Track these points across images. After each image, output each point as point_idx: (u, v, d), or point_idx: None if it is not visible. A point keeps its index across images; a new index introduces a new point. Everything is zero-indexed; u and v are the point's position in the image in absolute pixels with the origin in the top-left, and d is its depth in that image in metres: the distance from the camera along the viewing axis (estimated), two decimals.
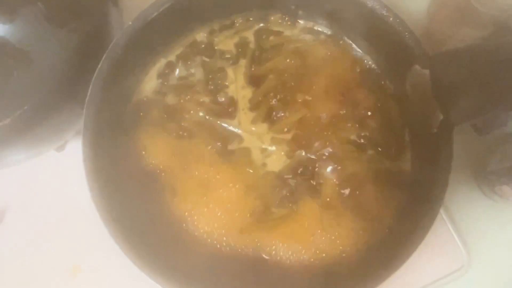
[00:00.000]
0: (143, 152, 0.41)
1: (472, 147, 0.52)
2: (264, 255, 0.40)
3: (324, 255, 0.40)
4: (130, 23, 0.38)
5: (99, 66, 0.37)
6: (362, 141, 0.43)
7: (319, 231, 0.40)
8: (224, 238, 0.40)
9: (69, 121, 0.43)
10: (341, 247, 0.39)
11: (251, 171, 0.41)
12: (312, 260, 0.40)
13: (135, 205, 0.38)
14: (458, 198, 0.51)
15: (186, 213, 0.40)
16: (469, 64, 0.34)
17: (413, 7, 0.55)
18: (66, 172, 0.48)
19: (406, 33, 0.38)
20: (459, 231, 0.49)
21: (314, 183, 0.42)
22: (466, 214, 0.50)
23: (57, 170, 0.49)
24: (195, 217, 0.40)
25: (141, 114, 0.42)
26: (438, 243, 0.48)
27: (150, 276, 0.34)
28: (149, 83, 0.44)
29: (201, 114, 0.43)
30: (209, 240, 0.40)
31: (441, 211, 0.49)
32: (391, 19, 0.39)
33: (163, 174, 0.41)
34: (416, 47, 0.38)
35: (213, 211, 0.40)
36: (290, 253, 0.40)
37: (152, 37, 0.41)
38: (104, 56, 0.37)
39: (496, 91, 0.34)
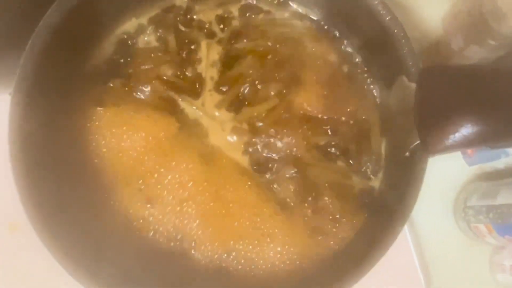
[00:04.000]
0: (89, 123, 0.37)
1: (459, 176, 0.49)
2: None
3: (268, 265, 0.37)
4: None
5: (48, 11, 0.32)
6: (333, 150, 0.39)
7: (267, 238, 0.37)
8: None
9: None
10: (286, 258, 0.36)
11: (200, 162, 0.37)
12: (252, 267, 0.37)
13: (67, 190, 0.34)
14: (431, 227, 0.48)
15: (128, 199, 0.36)
16: (465, 87, 0.30)
17: (428, 13, 0.51)
18: None
19: (402, 39, 0.33)
20: (424, 261, 0.47)
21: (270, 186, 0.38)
22: (435, 245, 0.47)
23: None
24: (138, 204, 0.36)
25: (96, 77, 0.38)
26: (399, 269, 0.46)
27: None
28: (111, 45, 0.39)
29: (163, 87, 0.38)
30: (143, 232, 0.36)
31: (409, 238, 0.46)
32: (387, 18, 0.34)
33: (108, 152, 0.36)
34: (408, 55, 0.33)
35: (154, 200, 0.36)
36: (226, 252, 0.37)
37: None
38: (57, 1, 0.32)
39: (491, 123, 0.29)
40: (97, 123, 0.37)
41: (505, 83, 0.29)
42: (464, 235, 0.47)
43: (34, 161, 0.31)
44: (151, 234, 0.36)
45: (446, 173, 0.49)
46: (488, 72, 0.31)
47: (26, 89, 0.32)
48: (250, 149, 0.38)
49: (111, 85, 0.38)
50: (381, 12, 0.34)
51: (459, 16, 0.46)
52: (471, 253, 0.47)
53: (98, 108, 0.37)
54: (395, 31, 0.33)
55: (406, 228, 0.46)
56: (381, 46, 0.36)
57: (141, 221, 0.36)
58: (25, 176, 0.31)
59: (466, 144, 0.28)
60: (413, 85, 0.31)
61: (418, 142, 0.30)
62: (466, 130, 0.28)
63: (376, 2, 0.34)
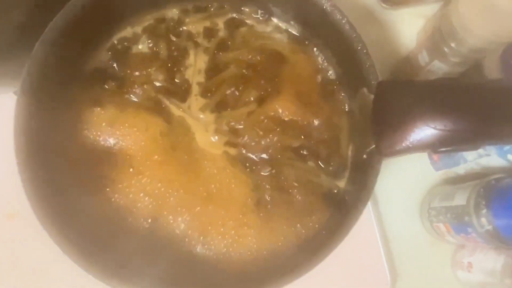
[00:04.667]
0: (85, 120, 0.41)
1: (427, 180, 0.53)
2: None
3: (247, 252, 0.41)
4: None
5: (55, 18, 0.36)
6: (305, 151, 0.43)
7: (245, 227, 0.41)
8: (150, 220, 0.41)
9: None
10: (252, 246, 0.40)
11: (186, 157, 0.41)
12: (230, 253, 0.41)
13: (63, 175, 0.38)
14: (398, 226, 0.52)
15: (118, 190, 0.40)
16: (413, 99, 0.34)
17: (404, 28, 0.55)
18: None
19: (364, 55, 0.38)
20: (391, 257, 0.51)
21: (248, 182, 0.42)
22: (402, 244, 0.51)
23: (10, 114, 0.48)
24: (127, 195, 0.40)
25: (93, 79, 0.42)
26: (367, 264, 0.50)
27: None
28: (108, 50, 0.44)
29: (153, 90, 0.43)
30: (133, 221, 0.40)
31: (378, 236, 0.50)
32: (353, 36, 0.38)
33: (102, 146, 0.41)
34: (369, 69, 0.37)
35: (143, 191, 0.40)
36: (208, 239, 0.41)
37: (121, 2, 0.41)
38: (62, 9, 0.37)
39: (434, 132, 0.33)
40: (94, 120, 0.41)
41: (451, 96, 0.34)
42: (428, 234, 0.51)
43: (37, 154, 0.35)
44: (142, 220, 0.40)
45: (415, 177, 0.53)
46: (437, 86, 0.35)
47: (31, 89, 0.36)
48: (230, 149, 0.42)
49: (107, 87, 0.43)
50: (347, 30, 0.38)
51: (428, 33, 0.51)
52: (435, 251, 0.51)
53: (95, 108, 0.41)
54: (359, 47, 0.38)
55: (375, 227, 0.50)
56: (348, 60, 0.40)
57: (134, 209, 0.40)
58: (28, 167, 0.35)
59: (412, 149, 0.33)
60: (372, 96, 0.35)
61: (373, 146, 0.34)
62: (412, 137, 0.32)
63: (344, 21, 0.38)
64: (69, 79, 0.41)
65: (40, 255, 0.48)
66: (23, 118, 0.35)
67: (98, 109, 0.41)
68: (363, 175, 0.37)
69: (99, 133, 0.41)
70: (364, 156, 0.36)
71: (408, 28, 0.56)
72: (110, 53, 0.44)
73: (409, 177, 0.53)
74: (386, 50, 0.55)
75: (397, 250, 0.51)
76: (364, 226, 0.49)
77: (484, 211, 0.41)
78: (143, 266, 0.36)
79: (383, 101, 0.35)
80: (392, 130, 0.33)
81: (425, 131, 0.32)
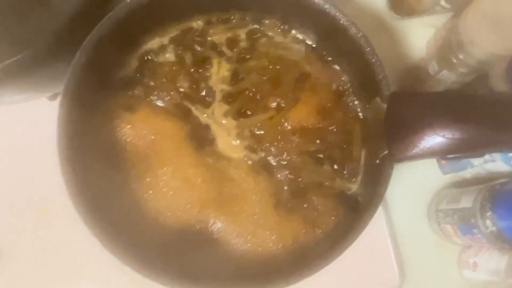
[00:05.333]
0: (118, 124, 0.44)
1: (435, 183, 0.55)
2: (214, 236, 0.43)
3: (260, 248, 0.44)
4: None
5: (93, 30, 0.40)
6: (321, 156, 0.46)
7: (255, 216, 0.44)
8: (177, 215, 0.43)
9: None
10: (271, 244, 0.43)
11: (209, 160, 0.44)
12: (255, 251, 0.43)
13: (100, 174, 0.41)
14: (407, 227, 0.54)
15: (148, 189, 0.43)
16: (423, 109, 0.37)
17: (414, 38, 0.58)
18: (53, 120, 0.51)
19: (378, 67, 0.40)
20: (400, 257, 0.53)
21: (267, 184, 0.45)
22: (411, 244, 0.54)
23: (44, 118, 0.50)
24: (157, 194, 0.43)
25: (124, 86, 0.45)
26: (377, 263, 0.52)
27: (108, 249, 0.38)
28: (138, 59, 0.47)
29: (179, 97, 0.46)
30: (163, 217, 0.43)
31: (388, 236, 0.52)
32: (367, 49, 0.41)
33: (133, 148, 0.44)
34: (382, 80, 0.40)
35: (171, 191, 0.43)
36: (232, 237, 0.43)
37: (151, 15, 0.44)
38: (100, 22, 0.40)
39: (443, 139, 0.36)
40: (125, 124, 0.44)
41: (459, 107, 0.36)
42: (436, 235, 0.53)
43: (77, 152, 0.39)
44: (172, 217, 0.43)
45: (424, 181, 0.56)
46: (446, 97, 0.37)
47: (72, 93, 0.40)
48: (251, 153, 0.45)
49: (136, 92, 0.46)
50: (362, 43, 0.41)
51: (438, 43, 0.53)
52: (442, 252, 0.53)
53: (126, 112, 0.44)
54: (373, 60, 0.41)
55: (385, 227, 0.52)
56: (362, 71, 0.43)
57: (165, 207, 0.43)
58: (68, 162, 0.39)
59: (422, 155, 0.35)
60: (384, 106, 0.38)
61: (386, 152, 0.37)
62: (422, 145, 0.35)
63: (359, 35, 0.41)
64: (103, 85, 0.44)
65: (70, 249, 0.51)
66: (65, 120, 0.39)
67: (129, 113, 0.44)
68: (375, 179, 0.39)
69: (130, 136, 0.44)
70: (377, 161, 0.39)
71: (419, 38, 0.57)
72: (139, 61, 0.47)
73: (418, 180, 0.55)
74: (396, 58, 0.58)
75: (406, 250, 0.53)
76: (375, 227, 0.52)
77: (489, 213, 0.43)
78: (172, 258, 0.39)
79: (395, 111, 0.37)
80: (404, 137, 0.36)
81: (434, 139, 0.35)
